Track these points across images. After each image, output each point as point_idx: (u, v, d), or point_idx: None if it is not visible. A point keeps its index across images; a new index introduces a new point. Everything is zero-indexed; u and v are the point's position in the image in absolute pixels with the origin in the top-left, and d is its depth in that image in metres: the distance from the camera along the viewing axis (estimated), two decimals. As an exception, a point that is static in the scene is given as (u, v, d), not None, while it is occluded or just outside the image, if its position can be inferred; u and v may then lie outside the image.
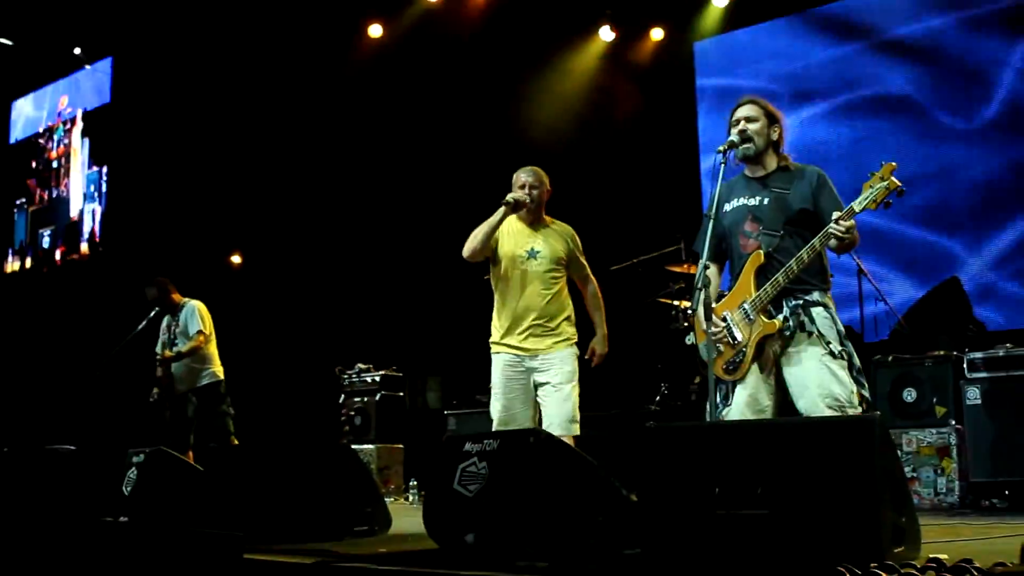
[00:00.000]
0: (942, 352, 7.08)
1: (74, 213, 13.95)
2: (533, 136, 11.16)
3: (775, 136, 4.63)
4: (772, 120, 4.63)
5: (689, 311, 8.23)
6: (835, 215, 4.23)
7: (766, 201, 4.57)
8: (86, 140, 14.01)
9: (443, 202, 11.80)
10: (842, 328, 4.41)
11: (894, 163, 4.19)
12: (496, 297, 6.01)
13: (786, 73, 10.29)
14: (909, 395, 6.98)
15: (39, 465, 6.89)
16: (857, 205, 4.22)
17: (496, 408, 5.81)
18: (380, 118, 12.01)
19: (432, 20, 11.55)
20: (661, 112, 10.84)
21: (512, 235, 5.87)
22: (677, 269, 8.62)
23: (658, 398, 8.32)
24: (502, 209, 5.74)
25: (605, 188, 10.71)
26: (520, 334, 5.77)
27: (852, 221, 4.21)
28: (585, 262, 6.01)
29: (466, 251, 5.90)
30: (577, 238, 6.00)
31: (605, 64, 11.33)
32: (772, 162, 4.65)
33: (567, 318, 5.83)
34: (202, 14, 12.06)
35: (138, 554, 3.11)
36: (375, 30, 11.78)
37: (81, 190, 13.92)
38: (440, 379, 11.55)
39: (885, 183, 4.16)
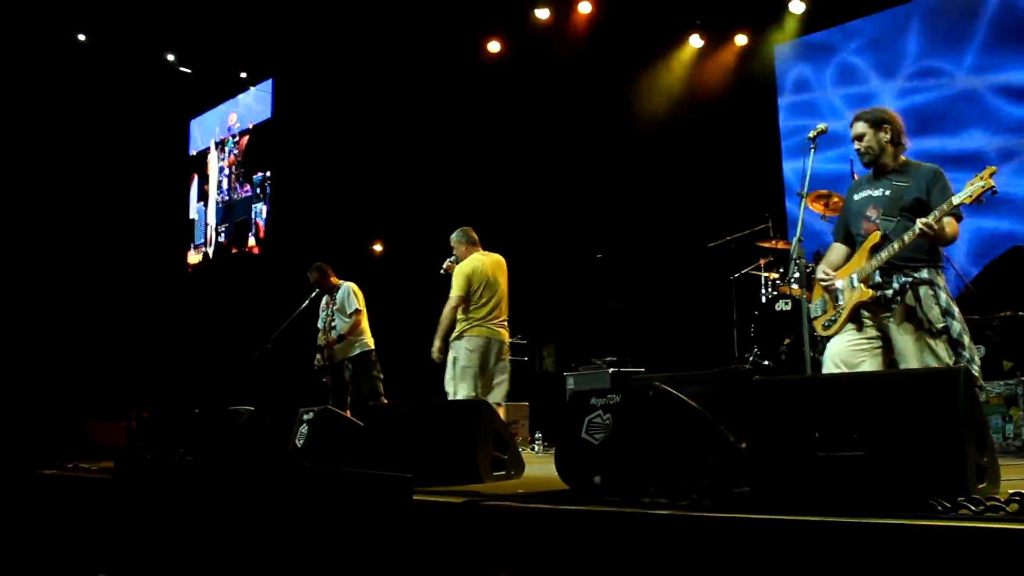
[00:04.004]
0: (1008, 313, 6.87)
1: (244, 213, 14.30)
2: (639, 130, 11.13)
3: (886, 138, 4.69)
4: (877, 126, 4.69)
5: (778, 282, 8.14)
6: (922, 220, 4.27)
7: (887, 192, 4.65)
8: (252, 149, 14.33)
9: (557, 189, 11.81)
10: (947, 302, 4.41)
11: (995, 167, 4.26)
12: None
13: (855, 71, 10.06)
14: (979, 351, 6.77)
15: (224, 423, 7.09)
16: (956, 199, 4.29)
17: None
18: (504, 119, 12.05)
19: (544, 34, 11.53)
20: (747, 108, 10.67)
21: None
22: (766, 244, 8.50)
23: (751, 358, 8.21)
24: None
25: (702, 174, 10.59)
26: None
27: (942, 220, 4.27)
28: (454, 286, 7.32)
29: None
30: (457, 274, 7.35)
31: (697, 65, 11.20)
32: (891, 160, 4.71)
33: (458, 323, 7.29)
34: (346, 40, 12.25)
35: (318, 494, 3.19)
36: (493, 46, 11.84)
37: (249, 192, 14.25)
38: (554, 346, 11.58)
39: (983, 183, 4.22)
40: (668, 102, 11.10)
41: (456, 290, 7.30)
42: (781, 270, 8.34)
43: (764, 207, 8.97)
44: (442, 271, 7.70)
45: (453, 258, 7.64)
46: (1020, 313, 6.78)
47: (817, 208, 7.77)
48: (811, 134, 4.69)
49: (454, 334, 7.34)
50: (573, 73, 11.47)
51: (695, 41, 11.08)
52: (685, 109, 10.98)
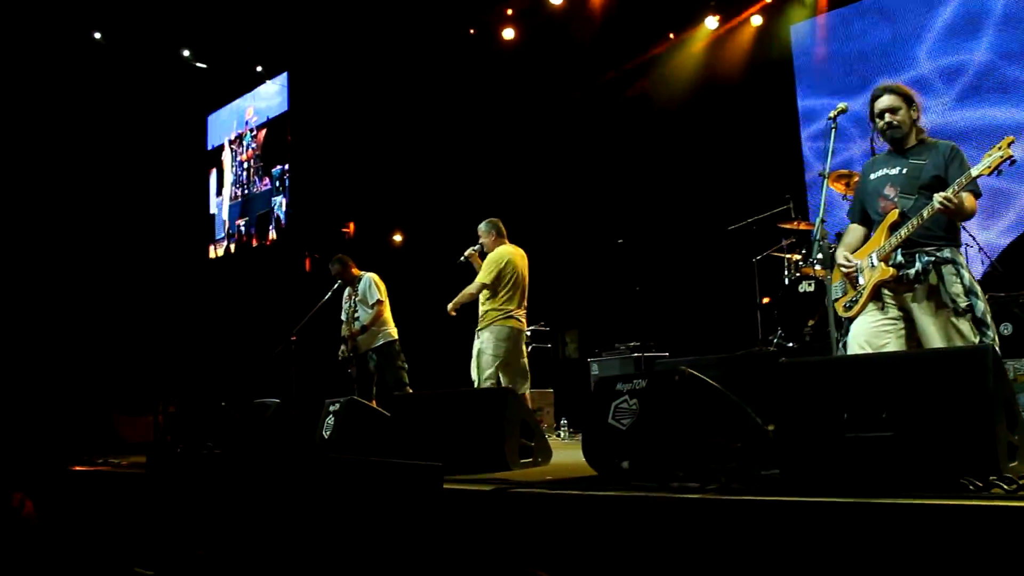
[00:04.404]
0: (1035, 290, 6.82)
1: (264, 206, 14.35)
2: (656, 114, 11.10)
3: (915, 116, 4.64)
4: (910, 103, 4.64)
5: (801, 264, 8.12)
6: (941, 194, 4.23)
7: (904, 170, 4.60)
8: (270, 143, 14.37)
9: (577, 175, 11.80)
10: (969, 281, 4.36)
11: (1012, 137, 4.22)
12: None
13: (872, 50, 10.00)
14: (1006, 329, 6.72)
15: (251, 416, 7.14)
16: (974, 171, 4.24)
17: None
18: (521, 106, 12.05)
19: (558, 19, 11.49)
20: (765, 89, 10.62)
21: None
22: (787, 226, 8.47)
23: (775, 340, 8.20)
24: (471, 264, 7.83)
25: (721, 157, 10.56)
26: None
27: (961, 194, 4.20)
28: (484, 272, 7.48)
29: None
30: (489, 261, 7.52)
31: (713, 47, 11.15)
32: (913, 138, 4.66)
33: (486, 312, 7.43)
34: (360, 31, 12.26)
35: (349, 484, 3.22)
36: (508, 33, 11.83)
37: (268, 186, 14.30)
38: (577, 332, 11.60)
39: (1000, 153, 4.18)
40: (685, 85, 11.06)
41: (485, 277, 7.44)
42: (803, 251, 8.32)
43: (784, 188, 8.93)
44: (462, 259, 7.82)
45: (477, 247, 7.78)
46: (1047, 289, 6.73)
47: (839, 188, 7.73)
48: (831, 114, 4.66)
49: (482, 323, 7.45)
50: (589, 58, 11.45)
51: (711, 23, 11.03)
52: (703, 91, 10.94)
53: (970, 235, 7.74)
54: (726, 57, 10.98)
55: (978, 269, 7.86)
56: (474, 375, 7.44)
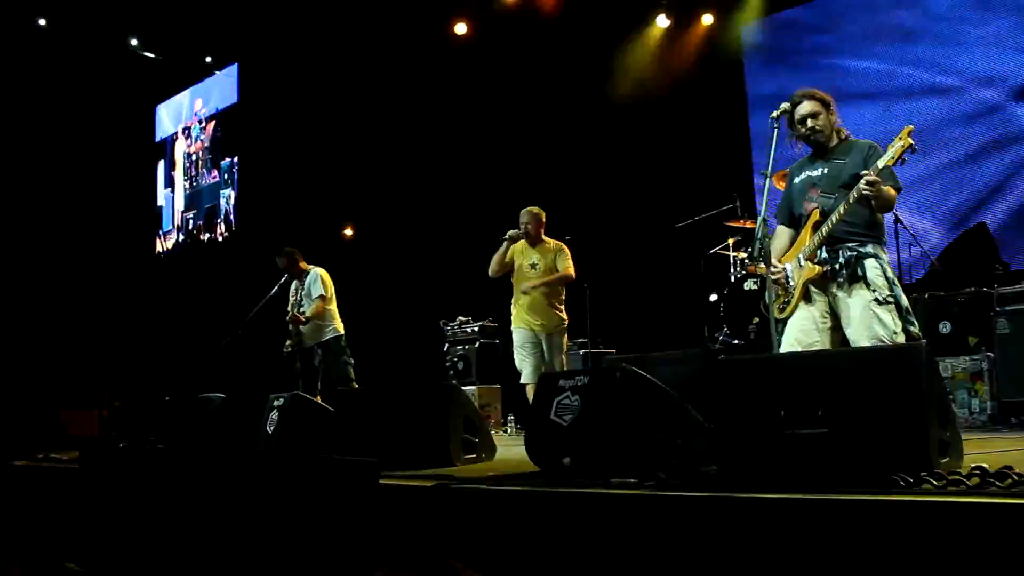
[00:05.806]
0: (973, 289, 6.94)
1: (212, 199, 14.19)
2: (606, 111, 11.10)
3: (834, 119, 4.72)
4: (828, 106, 4.72)
5: (747, 262, 8.20)
6: (863, 174, 4.26)
7: (825, 171, 4.68)
8: (219, 135, 14.21)
9: (525, 170, 11.78)
10: (892, 275, 4.44)
11: (911, 126, 4.32)
12: (514, 292, 7.57)
13: (823, 50, 10.10)
14: (944, 327, 6.85)
15: (195, 410, 7.05)
16: (881, 162, 4.32)
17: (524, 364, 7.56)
18: (472, 101, 12.00)
19: (510, 17, 11.47)
20: (715, 88, 10.69)
21: (520, 253, 7.51)
22: (734, 224, 8.54)
23: (720, 338, 8.27)
24: (504, 243, 7.46)
25: (670, 155, 10.60)
26: (528, 316, 7.45)
27: (876, 178, 4.25)
28: (565, 264, 7.39)
29: (490, 272, 7.59)
30: (563, 249, 7.47)
31: (664, 45, 11.18)
32: (834, 139, 4.74)
33: (557, 307, 7.44)
34: (310, 25, 12.17)
35: (284, 479, 3.19)
36: (460, 28, 11.78)
37: (217, 178, 14.14)
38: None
39: (902, 143, 4.28)
40: (636, 83, 11.08)
41: (572, 267, 7.46)
42: (749, 249, 8.40)
43: (732, 187, 9.01)
44: (506, 237, 7.54)
45: (520, 231, 7.51)
46: (985, 289, 6.86)
47: (782, 187, 7.79)
48: (774, 114, 4.70)
49: (566, 320, 7.55)
50: (540, 54, 11.44)
51: (662, 21, 11.07)
52: (653, 89, 10.95)
53: (912, 235, 7.88)
54: (677, 55, 11.03)
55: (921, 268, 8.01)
56: (534, 371, 7.45)
